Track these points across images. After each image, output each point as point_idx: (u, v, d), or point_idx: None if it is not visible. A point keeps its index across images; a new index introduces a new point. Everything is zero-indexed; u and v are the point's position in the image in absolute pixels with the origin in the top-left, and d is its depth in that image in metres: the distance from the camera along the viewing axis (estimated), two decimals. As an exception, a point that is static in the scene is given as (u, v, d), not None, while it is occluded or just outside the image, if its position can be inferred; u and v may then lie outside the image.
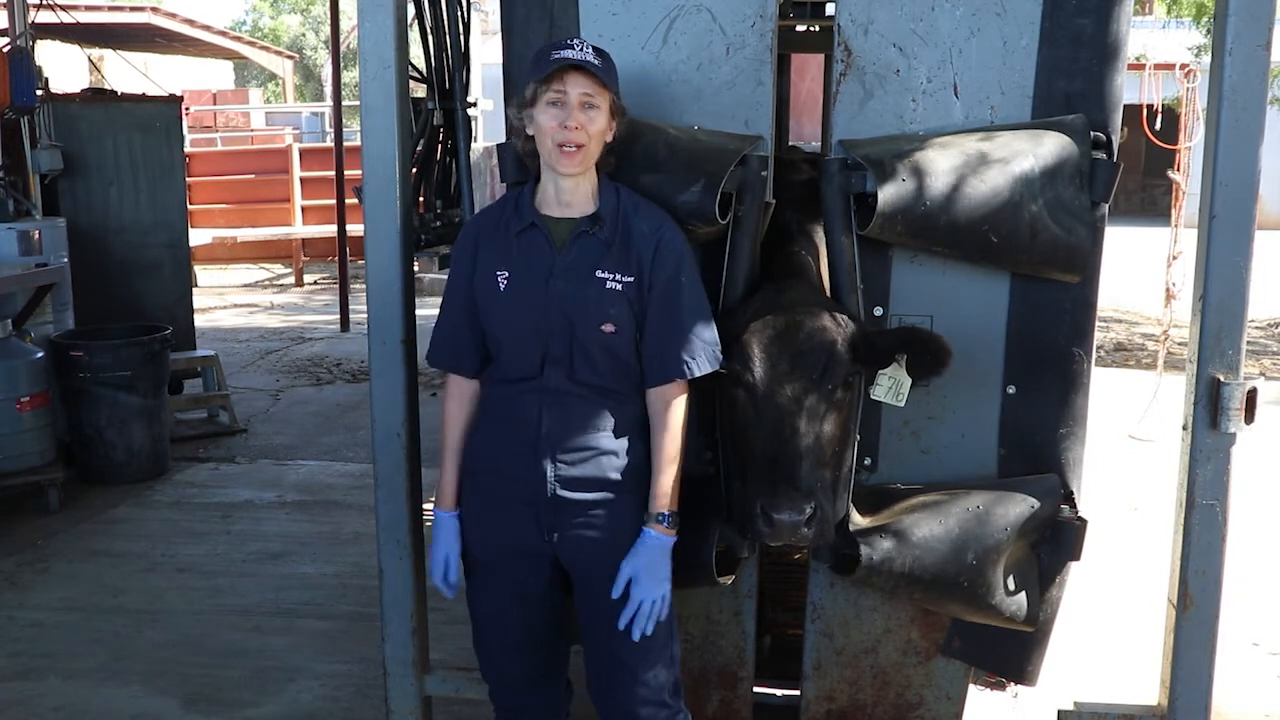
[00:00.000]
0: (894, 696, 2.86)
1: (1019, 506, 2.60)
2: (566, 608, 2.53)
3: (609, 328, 2.31)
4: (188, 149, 12.42)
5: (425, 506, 2.95)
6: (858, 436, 2.58)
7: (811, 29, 4.60)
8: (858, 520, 2.57)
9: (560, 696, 2.61)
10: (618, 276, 2.32)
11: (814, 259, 2.77)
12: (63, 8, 8.11)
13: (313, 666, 3.86)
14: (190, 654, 3.97)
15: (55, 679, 3.79)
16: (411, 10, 4.31)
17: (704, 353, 2.35)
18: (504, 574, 2.46)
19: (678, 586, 2.42)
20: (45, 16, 7.49)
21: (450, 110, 4.59)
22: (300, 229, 14.23)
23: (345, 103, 12.19)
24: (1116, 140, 2.61)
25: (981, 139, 2.53)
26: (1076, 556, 2.70)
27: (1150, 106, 7.40)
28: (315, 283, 14.36)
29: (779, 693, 3.10)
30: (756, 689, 2.97)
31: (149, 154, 7.07)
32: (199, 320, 8.33)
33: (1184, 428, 2.65)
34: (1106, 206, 2.61)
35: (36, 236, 5.99)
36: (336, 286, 11.19)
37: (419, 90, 4.51)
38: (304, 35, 37.06)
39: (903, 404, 2.56)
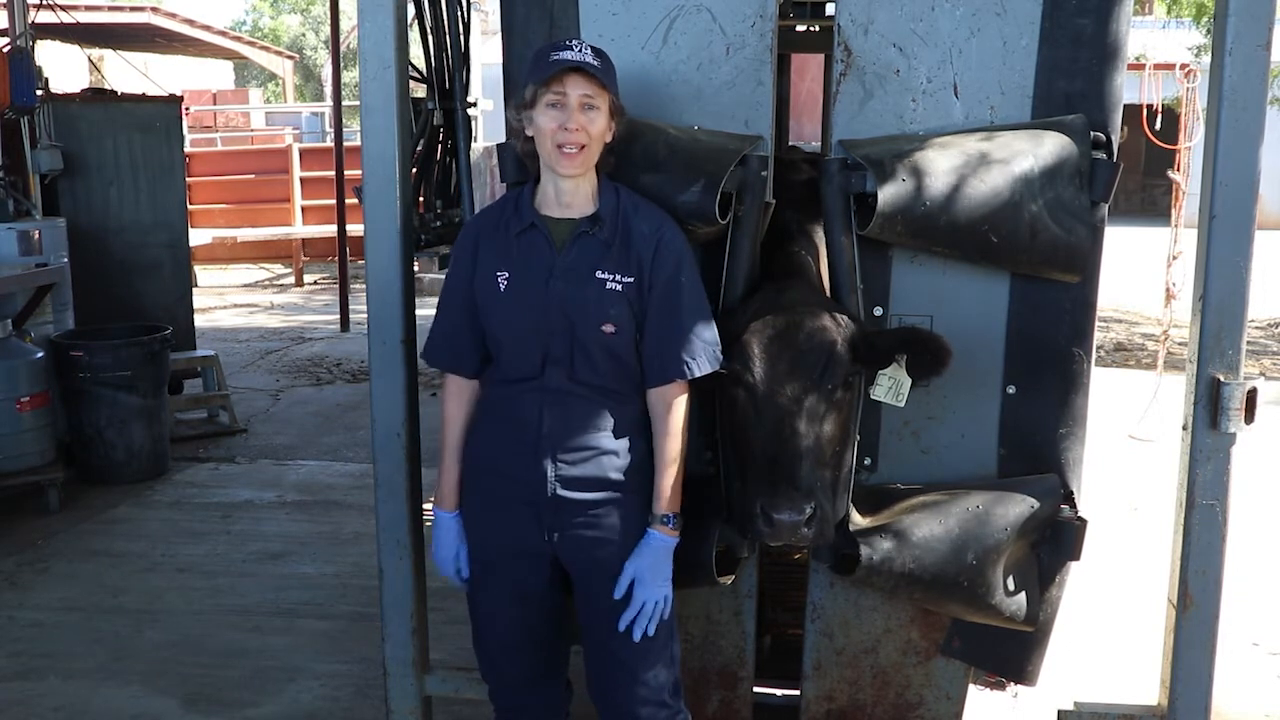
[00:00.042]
0: (894, 696, 2.86)
1: (1019, 506, 2.60)
2: (566, 608, 2.53)
3: (609, 328, 2.31)
4: (188, 149, 12.43)
5: (425, 506, 2.95)
6: (858, 436, 2.58)
7: (811, 29, 4.60)
8: (858, 520, 2.57)
9: (560, 696, 2.61)
10: (618, 277, 2.32)
11: (814, 259, 2.77)
12: (63, 8, 8.11)
13: (313, 666, 3.86)
14: (190, 654, 3.97)
15: (55, 679, 3.79)
16: (411, 10, 4.31)
17: (704, 353, 2.35)
18: (504, 574, 2.46)
19: (678, 586, 2.42)
20: (45, 16, 7.49)
21: (450, 110, 4.60)
22: (300, 229, 14.23)
23: (345, 103, 12.19)
24: (1116, 140, 2.61)
25: (982, 139, 2.53)
26: (1076, 556, 2.70)
27: (1150, 106, 7.40)
28: (315, 283, 14.36)
29: (779, 693, 3.10)
30: (756, 689, 2.97)
31: (149, 154, 7.07)
32: (199, 320, 8.33)
33: (1184, 428, 2.65)
34: (1106, 206, 2.61)
35: (36, 236, 5.99)
36: (336, 286, 11.19)
37: (419, 90, 4.51)
38: (304, 35, 37.06)
39: (903, 404, 2.55)
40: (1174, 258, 6.77)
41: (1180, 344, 6.74)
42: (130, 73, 11.06)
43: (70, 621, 4.24)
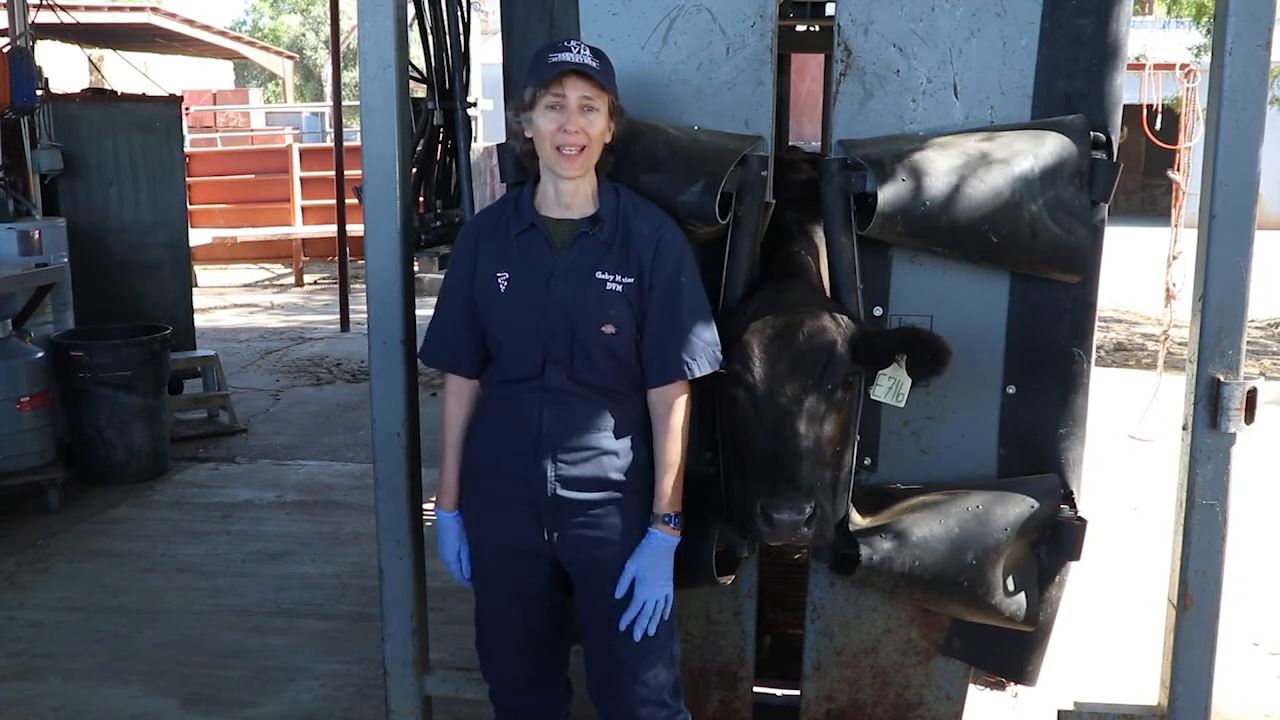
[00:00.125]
0: (894, 696, 2.86)
1: (1019, 506, 2.60)
2: (566, 608, 2.53)
3: (609, 329, 2.31)
4: (188, 149, 12.43)
5: (426, 506, 2.95)
6: (858, 436, 2.58)
7: (811, 29, 4.60)
8: (858, 520, 2.57)
9: (560, 696, 2.61)
10: (618, 277, 2.32)
11: (814, 259, 2.77)
12: (63, 8, 8.11)
13: (313, 666, 3.86)
14: (190, 654, 3.97)
15: (55, 679, 3.79)
16: (411, 10, 4.31)
17: (704, 353, 2.35)
18: (504, 574, 2.46)
19: (678, 586, 2.42)
20: (45, 16, 7.49)
21: (450, 110, 4.60)
22: (300, 229, 14.23)
23: (345, 103, 12.20)
24: (1116, 140, 2.61)
25: (982, 139, 2.53)
26: (1076, 556, 2.70)
27: (1150, 106, 7.40)
28: (315, 283, 14.36)
29: (779, 693, 3.10)
30: (756, 689, 2.97)
31: (149, 154, 7.07)
32: (199, 320, 8.33)
33: (1184, 428, 2.65)
34: (1106, 206, 2.61)
35: (36, 236, 5.99)
36: (336, 286, 11.19)
37: (419, 90, 4.51)
38: (304, 35, 37.06)
39: (903, 404, 2.55)
40: (1174, 258, 6.77)
41: (1180, 344, 6.74)
42: (130, 73, 11.06)
43: (70, 621, 4.24)
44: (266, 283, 14.62)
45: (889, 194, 2.41)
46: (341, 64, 10.59)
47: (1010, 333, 2.66)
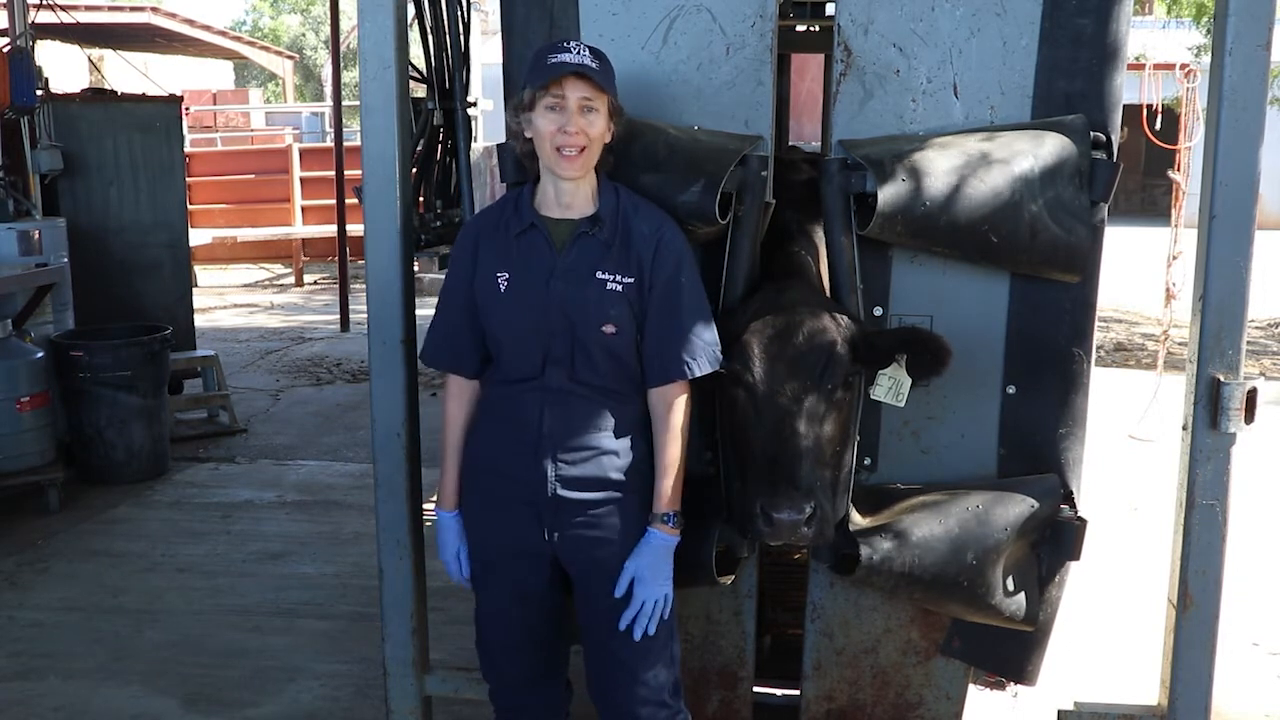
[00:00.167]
0: (894, 696, 2.86)
1: (1019, 506, 2.60)
2: (566, 608, 2.53)
3: (610, 329, 2.31)
4: (188, 149, 12.43)
5: (426, 506, 2.95)
6: (858, 436, 2.58)
7: (811, 29, 4.60)
8: (858, 520, 2.57)
9: (560, 696, 2.61)
10: (618, 277, 2.32)
11: (814, 259, 2.77)
12: (63, 8, 8.11)
13: (313, 666, 3.86)
14: (190, 654, 3.97)
15: (55, 679, 3.79)
16: (411, 10, 4.31)
17: (704, 353, 2.35)
18: (504, 574, 2.46)
19: (678, 586, 2.42)
20: (45, 16, 7.49)
21: (450, 110, 4.60)
22: (300, 229, 14.23)
23: (345, 103, 12.20)
24: (1116, 140, 2.61)
25: (982, 139, 2.53)
26: (1076, 556, 2.70)
27: (1150, 106, 7.40)
28: (315, 283, 14.36)
29: (779, 693, 3.10)
30: (756, 689, 2.97)
31: (149, 154, 7.07)
32: (199, 320, 8.33)
33: (1184, 428, 2.65)
34: (1106, 206, 2.61)
35: (36, 236, 5.99)
36: (336, 286, 11.19)
37: (419, 90, 4.51)
38: (304, 35, 37.06)
39: (903, 404, 2.56)
40: (1174, 258, 6.77)
41: (1180, 344, 6.74)
42: (130, 73, 11.06)
43: (70, 621, 4.24)
44: (266, 283, 14.62)
45: (889, 194, 2.41)
46: (341, 64, 10.59)
47: (1010, 333, 2.66)
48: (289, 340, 10.24)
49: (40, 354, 5.57)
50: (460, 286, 2.43)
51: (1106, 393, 6.86)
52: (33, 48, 6.72)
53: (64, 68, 12.18)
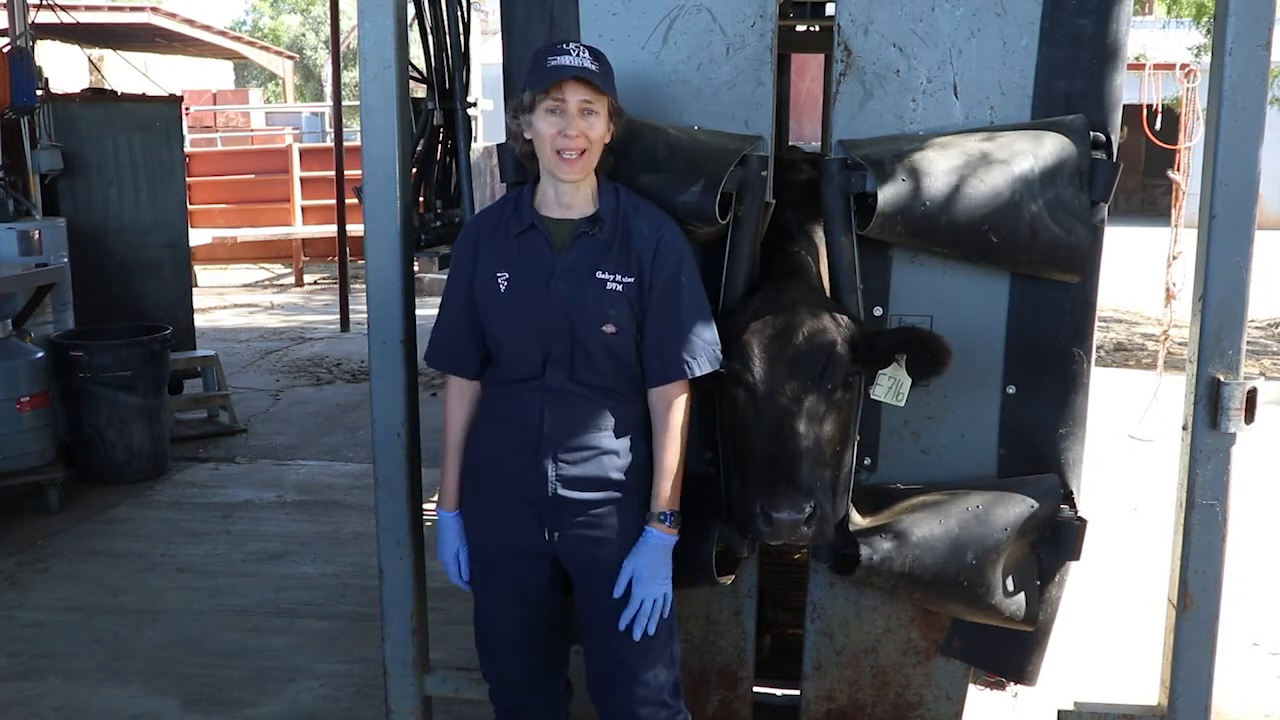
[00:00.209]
0: (894, 696, 2.86)
1: (1019, 506, 2.60)
2: (566, 608, 2.54)
3: (610, 328, 2.32)
4: (188, 149, 12.43)
5: (426, 506, 2.95)
6: (858, 436, 2.58)
7: (811, 29, 4.60)
8: (858, 520, 2.57)
9: (560, 696, 2.61)
10: (618, 277, 2.32)
11: (814, 259, 2.77)
12: (63, 8, 8.11)
13: (313, 666, 3.86)
14: (190, 654, 3.97)
15: (55, 679, 3.79)
16: (411, 10, 4.31)
17: (704, 352, 2.35)
18: (504, 574, 2.46)
19: (678, 586, 2.42)
20: (45, 16, 7.49)
21: (450, 110, 4.59)
22: (300, 229, 14.23)
23: (345, 103, 12.19)
24: (1116, 140, 2.61)
25: (981, 139, 2.53)
26: (1076, 556, 2.70)
27: (1150, 106, 7.40)
28: (315, 283, 14.36)
29: (779, 693, 3.10)
30: (756, 689, 2.97)
31: (149, 154, 7.07)
32: (199, 320, 8.33)
33: (1184, 428, 2.65)
34: (1106, 206, 2.61)
35: (36, 236, 5.99)
36: (336, 286, 11.19)
37: (419, 90, 4.51)
38: (304, 35, 37.06)
39: (903, 404, 2.56)
40: (1174, 258, 6.77)
41: (1180, 344, 6.74)
42: (130, 73, 11.06)
43: (70, 621, 4.24)
44: (266, 283, 14.62)
45: (889, 194, 2.41)
46: (341, 64, 10.59)
47: (1010, 333, 2.66)
48: (289, 340, 10.24)
49: (40, 354, 5.57)
50: (460, 287, 2.43)
51: (1106, 393, 6.86)
52: (33, 48, 6.72)
53: (64, 68, 12.18)
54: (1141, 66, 8.44)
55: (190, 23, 13.82)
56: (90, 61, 11.97)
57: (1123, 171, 2.60)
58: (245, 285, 14.40)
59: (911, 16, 2.56)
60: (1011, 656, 2.80)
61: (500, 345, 2.40)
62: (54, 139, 6.66)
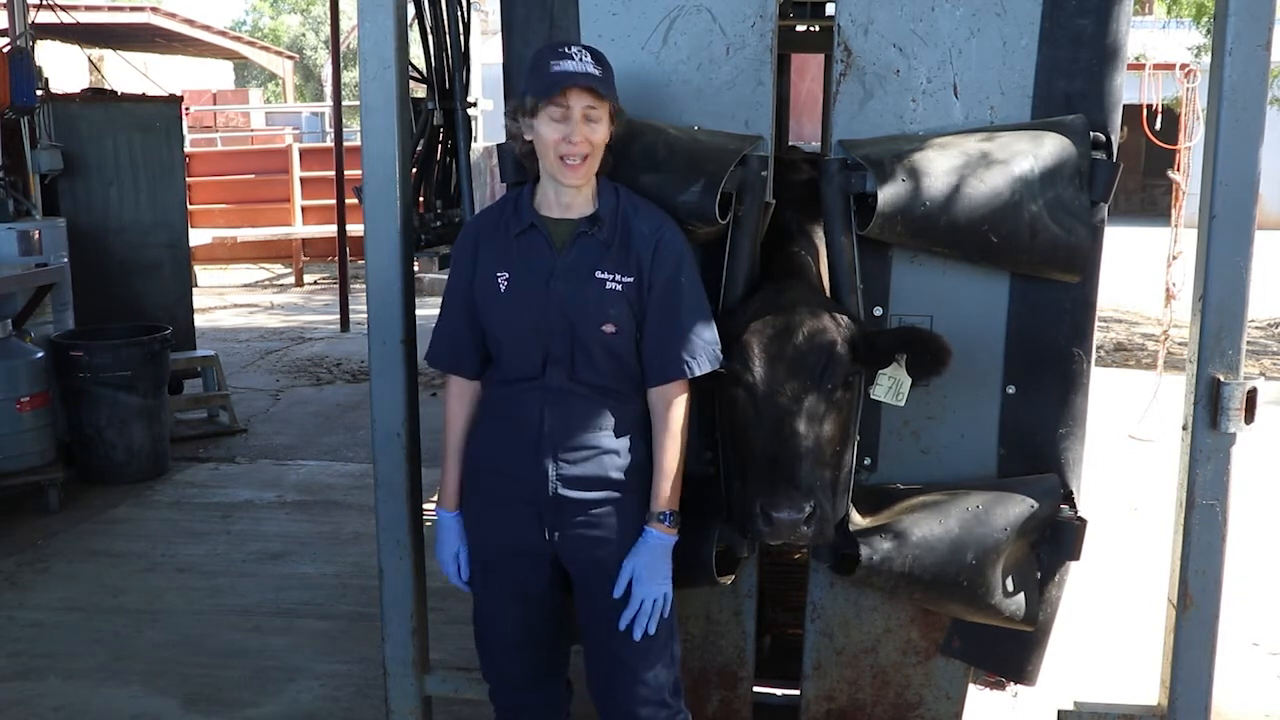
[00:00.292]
0: (894, 696, 2.86)
1: (1019, 506, 2.60)
2: (566, 607, 2.54)
3: (609, 328, 2.32)
4: (188, 149, 12.42)
5: (426, 506, 2.95)
6: (858, 436, 2.58)
7: (811, 29, 4.60)
8: (858, 520, 2.57)
9: (560, 696, 2.61)
10: (617, 277, 2.32)
11: (814, 259, 2.77)
12: (63, 8, 8.11)
13: (313, 666, 3.86)
14: (190, 654, 3.97)
15: (55, 679, 3.79)
16: (411, 10, 4.31)
17: (704, 352, 2.35)
18: (504, 573, 2.46)
19: (678, 586, 2.42)
20: (45, 16, 7.49)
21: (450, 110, 4.59)
22: (300, 229, 14.23)
23: (345, 103, 12.19)
24: (1116, 140, 2.61)
25: (981, 139, 2.53)
26: (1076, 556, 2.70)
27: (1150, 106, 7.40)
28: (315, 283, 14.36)
29: (779, 693, 3.10)
30: (756, 689, 2.97)
31: (149, 154, 7.07)
32: (199, 320, 8.33)
33: (1184, 428, 2.65)
34: (1106, 206, 2.61)
35: (36, 236, 5.99)
36: (336, 286, 11.19)
37: (419, 90, 4.51)
38: (304, 35, 37.06)
39: (903, 404, 2.56)
40: (1174, 258, 6.77)
41: (1180, 344, 6.73)
42: (130, 73, 11.06)
43: (70, 621, 4.24)
44: (266, 283, 14.62)
45: (889, 194, 2.42)
46: (341, 64, 10.59)
47: (1010, 333, 2.66)
48: (289, 340, 10.24)
49: (40, 354, 5.57)
50: (460, 287, 2.43)
51: (1106, 393, 6.86)
52: (33, 48, 6.72)
53: (64, 68, 12.18)
54: (1141, 66, 8.44)
55: (190, 23, 13.83)
56: (90, 61, 11.98)
57: (1123, 171, 2.60)
58: (245, 285, 14.40)
59: (911, 16, 2.56)
60: (1011, 656, 2.80)
61: (500, 345, 2.40)
62: (54, 139, 6.66)
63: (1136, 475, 5.97)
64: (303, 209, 14.35)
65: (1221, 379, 2.54)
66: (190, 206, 10.36)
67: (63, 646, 4.03)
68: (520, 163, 2.44)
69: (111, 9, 12.16)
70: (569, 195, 2.34)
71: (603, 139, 2.29)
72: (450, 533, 2.52)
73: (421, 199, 4.66)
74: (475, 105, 6.32)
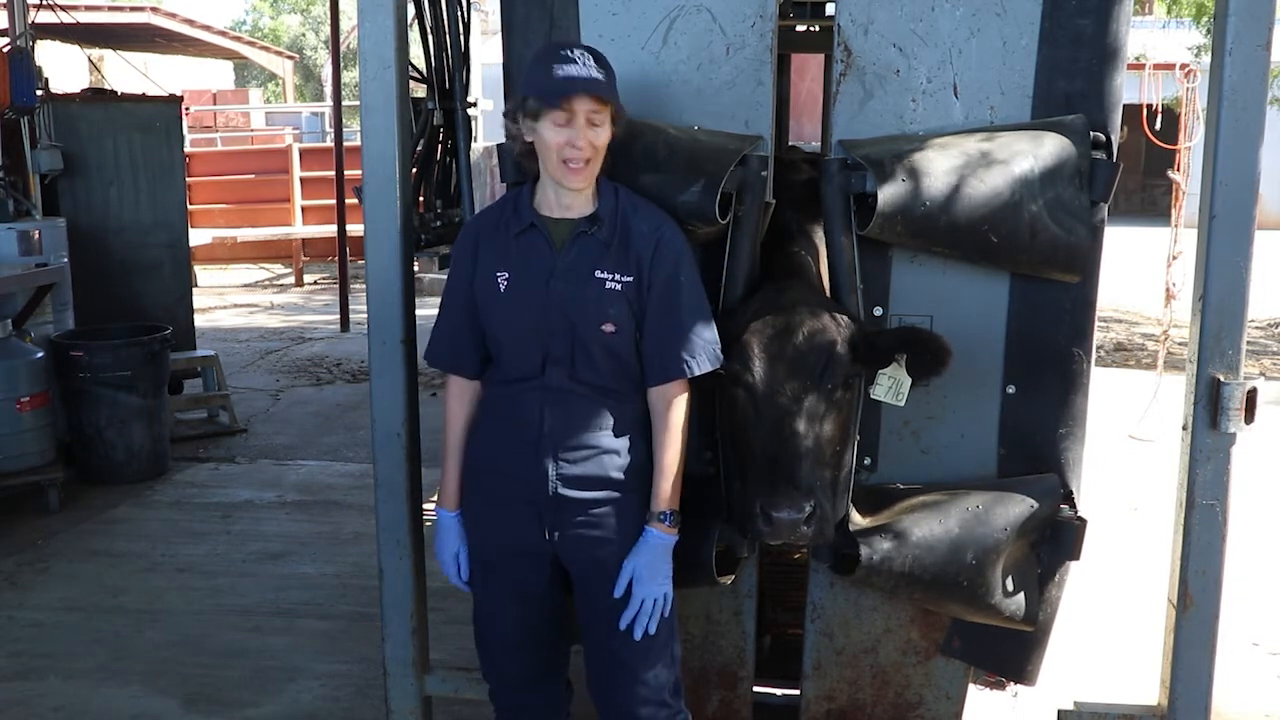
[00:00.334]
0: (894, 696, 2.86)
1: (1018, 506, 2.60)
2: (566, 607, 2.54)
3: (609, 328, 2.32)
4: (188, 149, 12.42)
5: (426, 506, 2.95)
6: (858, 436, 2.58)
7: (811, 29, 4.60)
8: (858, 520, 2.57)
9: (560, 696, 2.61)
10: (617, 276, 2.32)
11: (814, 259, 2.77)
12: (63, 8, 8.11)
13: (313, 666, 3.86)
14: (190, 654, 3.97)
15: (55, 679, 3.79)
16: (411, 10, 4.31)
17: (704, 351, 2.35)
18: (504, 573, 2.46)
19: (678, 586, 2.42)
20: (45, 16, 7.49)
21: (450, 110, 4.59)
22: (300, 229, 14.23)
23: (345, 103, 12.19)
24: (1116, 140, 2.61)
25: (981, 139, 2.53)
26: (1076, 556, 2.70)
27: (1150, 106, 7.40)
28: (315, 283, 14.36)
29: (779, 693, 3.10)
30: (756, 689, 2.97)
31: (149, 154, 7.07)
32: (199, 320, 8.33)
33: (1184, 428, 2.65)
34: (1106, 206, 2.61)
35: (36, 236, 5.99)
36: (336, 286, 11.19)
37: (419, 90, 4.51)
38: (304, 35, 37.06)
39: (903, 404, 2.56)
40: (1174, 258, 6.77)
41: (1180, 344, 6.74)
42: (130, 73, 11.06)
43: (70, 621, 4.24)
44: (266, 283, 14.62)
45: (889, 194, 2.42)
46: (341, 64, 10.58)
47: (1010, 333, 2.66)
48: (289, 340, 10.24)
49: (40, 354, 5.57)
50: (460, 287, 2.43)
51: (1106, 393, 6.86)
52: (33, 48, 6.72)
53: (64, 68, 12.18)
54: (1141, 66, 8.44)
55: (190, 23, 13.83)
56: (90, 61, 11.97)
57: (1123, 171, 2.60)
58: (245, 285, 14.40)
59: (911, 16, 2.56)
60: (1011, 656, 2.80)
61: (500, 345, 2.40)
62: (54, 139, 6.66)
63: (1136, 475, 5.97)
64: (303, 209, 14.35)
65: (1221, 379, 2.54)
66: (190, 206, 10.36)
67: (63, 646, 4.03)
68: (520, 163, 2.44)
69: (111, 9, 12.16)
70: (569, 195, 2.34)
71: (605, 142, 2.30)
72: (450, 533, 2.52)
73: (421, 199, 4.66)
74: (475, 105, 6.32)
